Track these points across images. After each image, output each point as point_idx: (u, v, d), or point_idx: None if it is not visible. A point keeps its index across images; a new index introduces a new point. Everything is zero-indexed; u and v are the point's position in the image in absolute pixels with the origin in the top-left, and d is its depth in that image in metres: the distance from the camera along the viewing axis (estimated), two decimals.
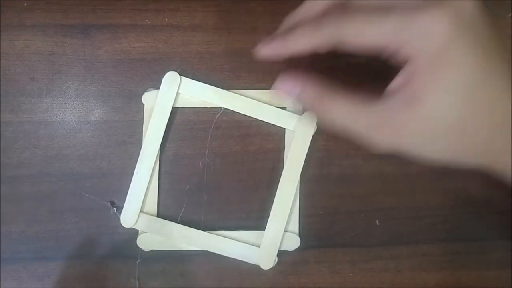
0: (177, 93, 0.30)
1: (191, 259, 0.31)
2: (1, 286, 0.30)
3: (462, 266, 0.32)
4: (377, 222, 0.32)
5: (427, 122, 0.21)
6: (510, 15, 0.33)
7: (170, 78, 0.30)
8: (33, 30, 0.31)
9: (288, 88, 0.25)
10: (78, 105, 0.31)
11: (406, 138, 0.22)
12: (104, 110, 0.31)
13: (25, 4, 0.31)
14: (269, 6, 0.32)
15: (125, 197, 0.30)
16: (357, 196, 0.31)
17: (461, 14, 0.21)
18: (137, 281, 0.30)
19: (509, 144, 0.22)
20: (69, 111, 0.31)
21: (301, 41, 0.24)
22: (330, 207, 0.31)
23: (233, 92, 0.31)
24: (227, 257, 0.30)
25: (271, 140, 0.31)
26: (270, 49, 0.25)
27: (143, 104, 0.31)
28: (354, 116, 0.23)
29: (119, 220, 0.30)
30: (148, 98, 0.31)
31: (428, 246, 0.32)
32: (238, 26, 0.32)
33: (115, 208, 0.30)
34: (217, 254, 0.30)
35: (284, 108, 0.31)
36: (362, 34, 0.22)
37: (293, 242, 0.30)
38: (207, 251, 0.30)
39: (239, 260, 0.30)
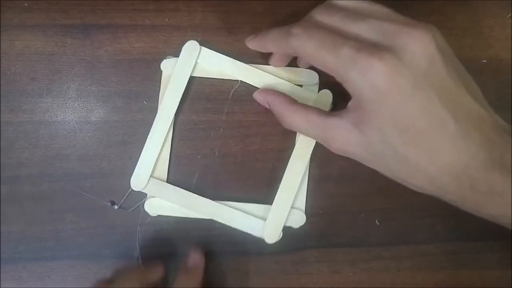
0: (196, 63, 0.30)
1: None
2: (1, 286, 0.30)
3: (462, 266, 0.32)
4: (377, 222, 0.32)
5: (367, 147, 0.24)
6: (510, 15, 0.33)
7: (190, 47, 0.30)
8: (33, 30, 0.31)
9: (261, 99, 0.29)
10: (79, 105, 0.31)
11: (353, 152, 0.25)
12: (105, 110, 0.31)
13: (25, 4, 0.31)
14: (269, 6, 0.32)
15: (125, 197, 0.30)
16: (357, 196, 0.31)
17: (404, 60, 0.22)
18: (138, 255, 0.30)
19: (455, 185, 0.23)
20: (69, 111, 0.31)
21: (271, 46, 0.28)
22: (330, 207, 0.31)
23: (251, 65, 0.31)
24: (227, 256, 0.30)
25: (271, 140, 0.31)
26: (252, 44, 0.29)
27: (161, 72, 0.31)
28: (311, 126, 0.26)
29: (120, 220, 0.30)
30: (166, 65, 0.31)
31: (428, 246, 0.32)
32: (238, 26, 0.32)
33: (116, 206, 0.30)
34: (216, 252, 0.30)
35: (301, 86, 0.31)
36: (314, 59, 0.25)
37: (299, 219, 0.31)
38: (208, 250, 0.30)
39: (239, 260, 0.30)
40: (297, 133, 0.31)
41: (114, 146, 0.31)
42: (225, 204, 0.30)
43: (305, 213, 0.31)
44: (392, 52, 0.22)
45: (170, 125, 0.30)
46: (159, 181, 0.30)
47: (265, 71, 0.31)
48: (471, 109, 0.23)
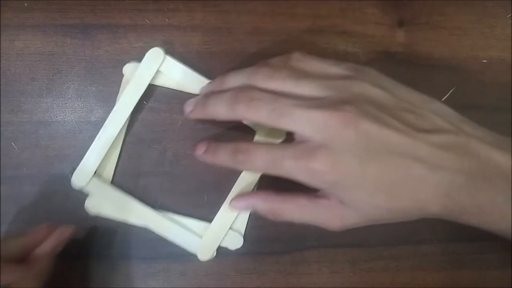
0: (158, 71, 0.30)
1: (191, 259, 0.31)
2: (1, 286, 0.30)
3: (462, 266, 0.32)
4: None
5: (361, 215, 0.25)
6: (510, 15, 0.33)
7: (154, 54, 0.30)
8: (33, 30, 0.31)
9: (244, 205, 0.29)
10: (78, 105, 0.31)
11: (353, 223, 0.25)
12: (104, 110, 0.31)
13: (25, 4, 0.31)
14: (269, 6, 0.32)
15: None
16: None
17: (339, 149, 0.23)
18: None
19: (446, 212, 0.24)
20: (69, 111, 0.31)
21: (217, 112, 0.27)
22: None
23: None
24: (227, 256, 0.30)
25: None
26: (193, 113, 0.29)
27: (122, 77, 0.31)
28: (304, 212, 0.26)
29: (119, 220, 0.30)
30: (128, 69, 0.30)
31: (428, 246, 0.32)
32: (238, 26, 0.32)
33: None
34: (217, 252, 0.30)
35: None
36: (264, 171, 0.26)
37: (235, 241, 0.30)
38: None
39: (239, 260, 0.30)
40: None
41: None
42: (164, 215, 0.30)
43: (245, 236, 0.31)
44: (326, 147, 0.23)
45: (122, 128, 0.30)
46: (101, 181, 0.30)
47: None
48: (431, 143, 0.23)
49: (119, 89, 0.31)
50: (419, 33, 0.33)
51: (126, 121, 0.30)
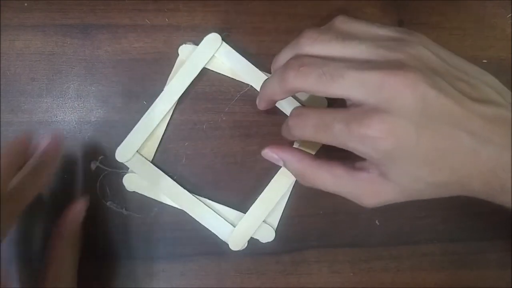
0: (213, 56, 0.31)
1: (191, 259, 0.31)
2: (1, 286, 0.30)
3: (462, 266, 0.32)
4: (377, 222, 0.32)
5: (401, 190, 0.24)
6: (510, 15, 0.33)
7: (212, 39, 0.31)
8: (33, 30, 0.31)
9: (274, 157, 0.28)
10: (78, 105, 0.31)
11: (388, 200, 0.24)
12: (104, 110, 0.31)
13: (25, 4, 0.31)
14: (269, 6, 0.32)
15: (125, 198, 0.30)
16: None
17: (396, 112, 0.21)
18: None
19: (486, 189, 0.23)
20: (69, 111, 0.31)
21: (272, 91, 0.26)
22: (330, 207, 0.31)
23: (266, 74, 0.31)
24: (227, 256, 0.30)
25: (271, 140, 0.31)
26: (259, 105, 0.29)
27: (176, 57, 0.31)
28: (339, 183, 0.25)
29: (120, 220, 0.30)
30: (184, 50, 0.31)
31: (428, 246, 0.32)
32: (238, 26, 0.32)
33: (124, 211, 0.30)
34: (216, 252, 0.30)
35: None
36: (315, 140, 0.25)
37: (267, 234, 0.30)
38: (208, 250, 0.30)
39: (239, 260, 0.30)
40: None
41: (114, 146, 0.31)
42: (200, 200, 0.30)
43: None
44: (381, 111, 0.22)
45: (171, 108, 0.30)
46: (143, 158, 0.30)
47: None
48: (483, 115, 0.22)
49: (119, 89, 0.31)
50: (419, 33, 0.33)
51: (176, 102, 0.30)
